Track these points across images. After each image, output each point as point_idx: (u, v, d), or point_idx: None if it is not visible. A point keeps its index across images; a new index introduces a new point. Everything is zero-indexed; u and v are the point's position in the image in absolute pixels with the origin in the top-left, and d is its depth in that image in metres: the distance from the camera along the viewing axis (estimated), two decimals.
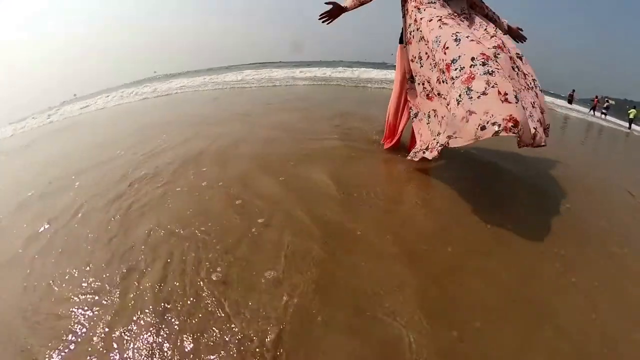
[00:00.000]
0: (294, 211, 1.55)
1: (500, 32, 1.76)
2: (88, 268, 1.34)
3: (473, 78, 1.40)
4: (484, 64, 1.41)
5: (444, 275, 1.22)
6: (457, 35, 1.54)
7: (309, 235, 1.39)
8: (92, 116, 5.95)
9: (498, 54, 1.52)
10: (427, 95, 1.82)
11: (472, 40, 1.52)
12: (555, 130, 5.21)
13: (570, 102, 14.08)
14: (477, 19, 1.80)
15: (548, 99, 13.27)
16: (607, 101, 13.91)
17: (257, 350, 0.94)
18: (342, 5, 1.93)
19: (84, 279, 1.28)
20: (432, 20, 1.68)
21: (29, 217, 1.84)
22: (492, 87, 1.34)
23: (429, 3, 1.77)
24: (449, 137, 1.48)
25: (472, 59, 1.45)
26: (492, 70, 1.39)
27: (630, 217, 1.84)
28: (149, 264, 1.30)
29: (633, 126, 11.08)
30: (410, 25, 1.85)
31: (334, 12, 1.91)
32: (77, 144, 3.57)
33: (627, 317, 1.11)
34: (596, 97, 13.84)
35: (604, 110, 13.76)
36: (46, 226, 1.69)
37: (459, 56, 1.49)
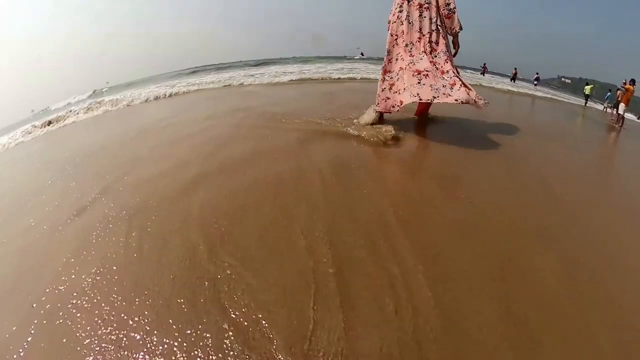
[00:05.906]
0: None
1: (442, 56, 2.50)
2: None
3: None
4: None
5: None
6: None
7: None
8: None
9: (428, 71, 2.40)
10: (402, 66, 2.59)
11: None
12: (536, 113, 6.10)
13: (513, 80, 15.83)
14: (441, 44, 2.49)
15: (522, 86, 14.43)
16: (537, 74, 16.25)
17: None
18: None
19: None
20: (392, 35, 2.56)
21: None
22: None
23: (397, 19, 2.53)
24: (434, 97, 2.32)
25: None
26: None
27: None
28: None
29: (589, 102, 11.64)
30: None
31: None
32: None
33: None
34: (515, 69, 16.23)
35: (535, 82, 16.09)
36: None
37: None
